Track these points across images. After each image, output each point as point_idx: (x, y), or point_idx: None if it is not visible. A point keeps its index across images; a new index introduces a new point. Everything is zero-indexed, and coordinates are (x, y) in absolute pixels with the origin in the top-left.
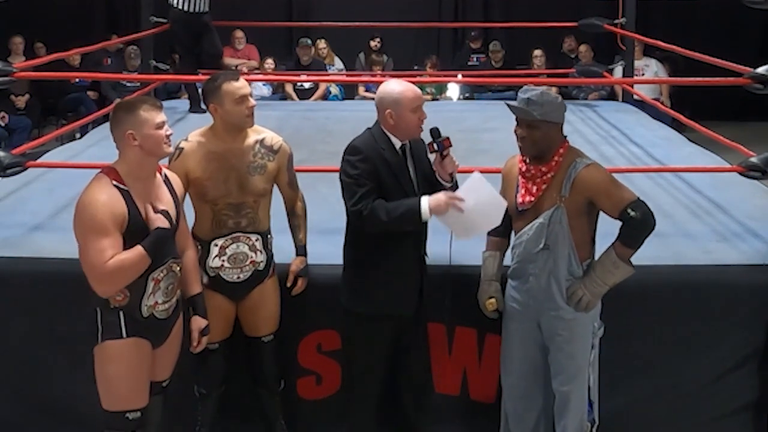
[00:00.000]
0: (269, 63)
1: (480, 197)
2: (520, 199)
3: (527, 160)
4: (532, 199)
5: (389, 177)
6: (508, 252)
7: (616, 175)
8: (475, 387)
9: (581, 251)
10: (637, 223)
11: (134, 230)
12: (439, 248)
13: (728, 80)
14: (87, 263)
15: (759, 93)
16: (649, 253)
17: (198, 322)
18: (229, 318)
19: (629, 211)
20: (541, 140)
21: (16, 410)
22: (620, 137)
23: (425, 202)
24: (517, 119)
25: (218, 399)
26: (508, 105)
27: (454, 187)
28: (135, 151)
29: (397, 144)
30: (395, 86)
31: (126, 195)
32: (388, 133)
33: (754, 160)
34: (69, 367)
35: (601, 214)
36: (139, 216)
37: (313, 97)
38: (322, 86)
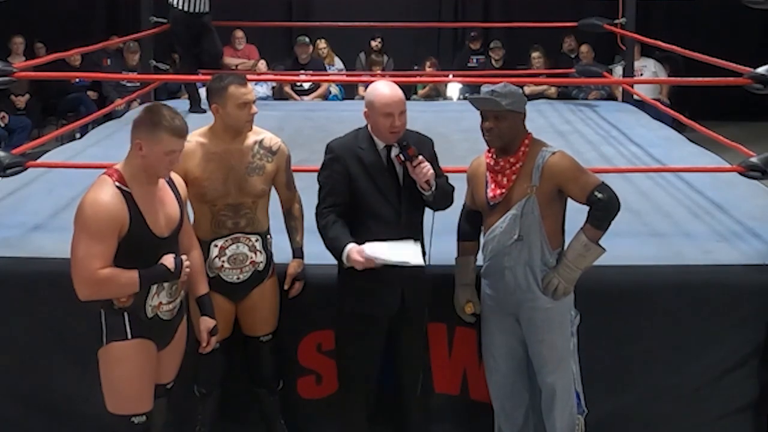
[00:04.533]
0: (262, 63)
1: (385, 251)
2: (490, 194)
3: (494, 155)
4: (503, 191)
5: (363, 177)
6: (480, 253)
7: (616, 175)
8: (475, 387)
9: (553, 240)
10: (605, 205)
11: (134, 233)
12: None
13: (728, 80)
14: (75, 262)
15: (759, 93)
16: (649, 253)
17: (206, 323)
18: (228, 318)
19: (596, 193)
20: (507, 131)
21: (16, 410)
22: (620, 137)
23: (346, 250)
24: (482, 113)
25: (218, 399)
26: (472, 99)
27: (432, 196)
28: (139, 159)
29: (380, 145)
30: (377, 87)
31: (128, 197)
32: (372, 134)
33: (754, 160)
34: (70, 367)
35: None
36: (140, 218)
37: (314, 95)
38: (323, 84)
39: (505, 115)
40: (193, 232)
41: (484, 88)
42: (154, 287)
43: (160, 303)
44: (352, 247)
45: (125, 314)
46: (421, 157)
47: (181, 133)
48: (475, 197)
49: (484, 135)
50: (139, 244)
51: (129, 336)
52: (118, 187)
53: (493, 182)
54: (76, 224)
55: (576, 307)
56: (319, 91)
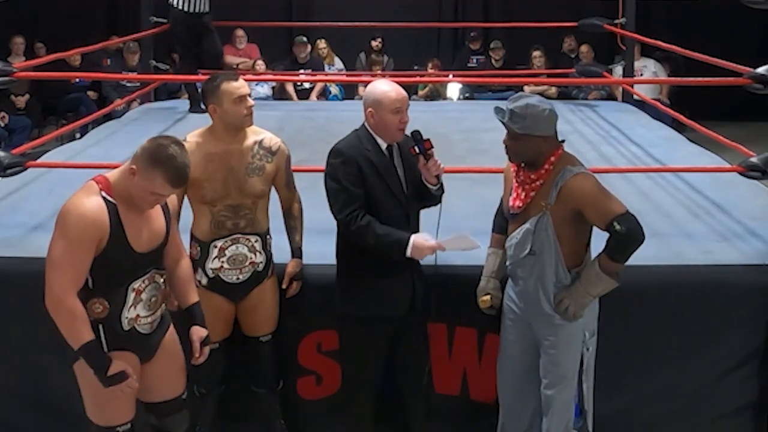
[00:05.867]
0: (260, 64)
1: (458, 245)
2: (511, 203)
3: (521, 165)
4: (521, 204)
5: (375, 178)
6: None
7: (616, 175)
8: (475, 387)
9: (570, 259)
10: (623, 237)
11: (112, 247)
12: None
13: (728, 80)
14: (51, 269)
15: (759, 93)
16: (649, 253)
17: (198, 332)
18: (228, 318)
19: (615, 224)
20: (523, 151)
21: (16, 410)
22: (620, 137)
23: (411, 242)
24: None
25: (218, 399)
26: (495, 112)
27: (440, 190)
28: (129, 179)
29: (383, 145)
30: (379, 85)
31: (111, 208)
32: (373, 134)
33: (754, 160)
34: (69, 366)
35: None
36: (121, 233)
37: (313, 94)
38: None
39: (521, 137)
40: (182, 243)
41: (509, 103)
42: (131, 298)
43: (138, 315)
44: (416, 237)
45: (100, 326)
46: (433, 150)
47: (178, 183)
48: (503, 199)
49: (505, 149)
50: (117, 259)
51: (105, 349)
52: (103, 197)
53: (515, 192)
54: (56, 227)
55: (599, 329)
56: (318, 87)
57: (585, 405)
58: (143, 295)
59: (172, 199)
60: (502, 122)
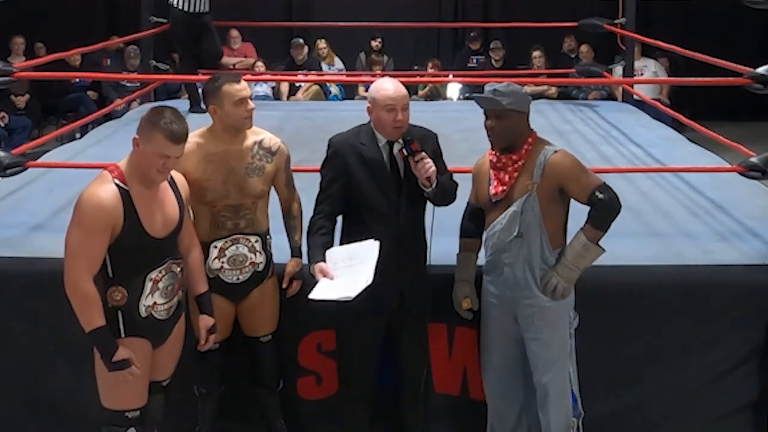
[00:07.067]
0: (260, 65)
1: (340, 265)
2: (492, 191)
3: (497, 152)
4: (505, 188)
5: (362, 171)
6: (482, 248)
7: (616, 175)
8: (475, 387)
9: (553, 239)
10: (605, 205)
11: (127, 232)
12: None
13: (728, 80)
14: (67, 256)
15: (759, 93)
16: (649, 253)
17: (205, 321)
18: (228, 319)
19: (597, 194)
20: (509, 130)
21: (16, 410)
22: (620, 137)
23: (311, 266)
24: (485, 112)
25: (218, 399)
26: (475, 98)
27: (432, 192)
28: (136, 156)
29: (382, 141)
30: (380, 83)
31: (125, 195)
32: (374, 129)
33: (754, 160)
34: (69, 366)
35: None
36: (135, 218)
37: (300, 92)
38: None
39: (506, 114)
40: (195, 232)
41: (488, 87)
42: (148, 287)
43: (155, 303)
44: (315, 266)
45: (119, 312)
46: (423, 153)
47: (177, 138)
48: (478, 194)
49: (487, 133)
50: (133, 244)
51: (122, 334)
52: (116, 185)
53: (495, 179)
54: (72, 216)
55: (576, 309)
56: (305, 85)
57: (573, 388)
58: (160, 284)
59: (184, 186)
60: (489, 101)
